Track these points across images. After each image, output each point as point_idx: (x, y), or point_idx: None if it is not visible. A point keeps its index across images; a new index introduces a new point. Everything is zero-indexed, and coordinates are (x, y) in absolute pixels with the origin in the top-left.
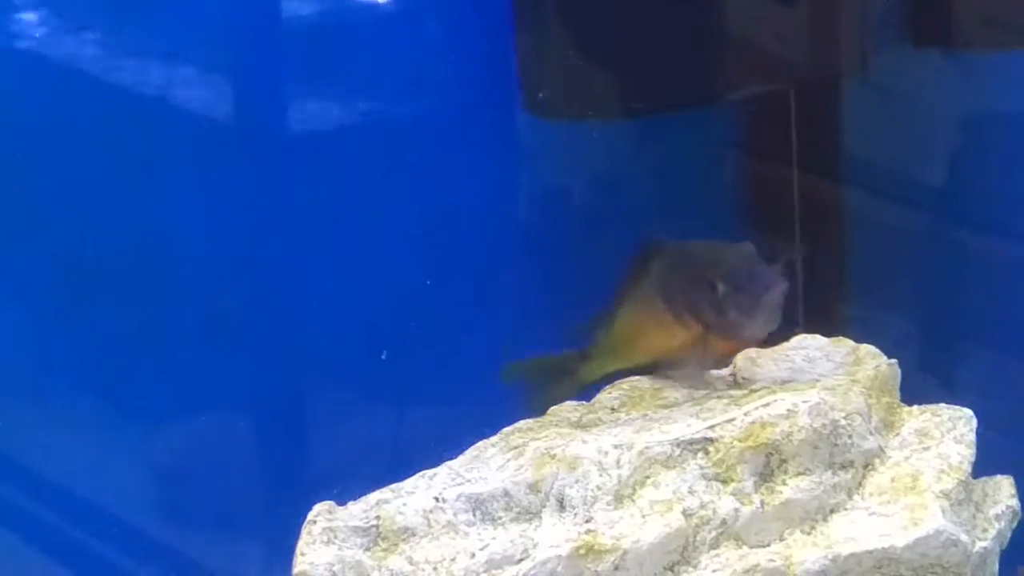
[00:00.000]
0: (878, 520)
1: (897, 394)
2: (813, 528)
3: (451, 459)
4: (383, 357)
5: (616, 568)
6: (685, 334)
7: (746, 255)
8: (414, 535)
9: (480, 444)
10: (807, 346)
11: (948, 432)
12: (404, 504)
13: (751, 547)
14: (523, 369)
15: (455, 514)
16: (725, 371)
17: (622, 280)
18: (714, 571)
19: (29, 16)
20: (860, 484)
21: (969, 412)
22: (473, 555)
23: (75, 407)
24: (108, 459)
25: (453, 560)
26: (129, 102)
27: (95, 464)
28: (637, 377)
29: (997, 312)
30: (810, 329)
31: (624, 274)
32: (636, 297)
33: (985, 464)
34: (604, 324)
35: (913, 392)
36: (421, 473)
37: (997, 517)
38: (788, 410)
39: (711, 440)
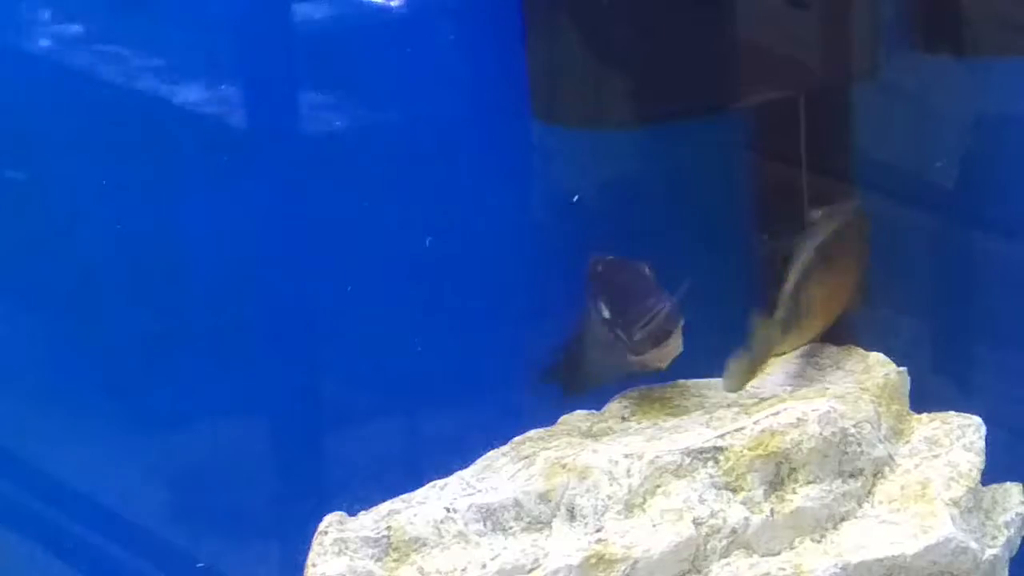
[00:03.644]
0: (888, 528)
1: (907, 402)
2: (823, 536)
3: (462, 469)
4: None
5: None
6: None
7: None
8: (425, 545)
9: (491, 454)
10: (816, 354)
11: (957, 440)
12: (415, 514)
13: (761, 555)
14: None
15: (466, 524)
16: None
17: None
18: None
19: (39, 21)
20: (870, 492)
21: (978, 420)
22: (484, 565)
23: (88, 413)
24: (119, 466)
25: (464, 570)
26: (142, 108)
27: (106, 470)
28: (647, 386)
29: (1009, 315)
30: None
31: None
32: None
33: (996, 470)
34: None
35: (925, 395)
36: (432, 483)
37: (1007, 524)
38: (798, 419)
39: (721, 449)
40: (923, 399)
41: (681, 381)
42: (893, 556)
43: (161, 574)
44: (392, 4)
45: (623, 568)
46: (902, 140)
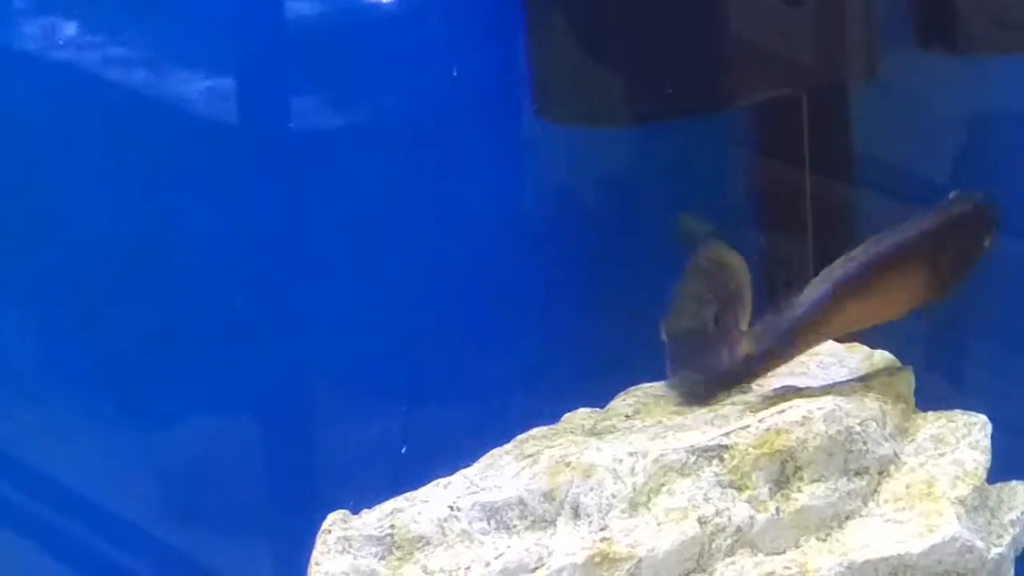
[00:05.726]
0: (893, 527)
1: (912, 400)
2: (828, 535)
3: (465, 467)
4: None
5: None
6: None
7: None
8: (429, 544)
9: (494, 452)
10: (821, 352)
11: (963, 438)
12: (419, 513)
13: (766, 554)
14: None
15: (470, 523)
16: None
17: None
18: None
19: (37, 20)
20: (875, 491)
21: (984, 418)
22: (488, 564)
23: (85, 411)
24: (120, 465)
25: (468, 569)
26: (139, 105)
27: (104, 469)
28: (650, 384)
29: (1010, 314)
30: None
31: None
32: None
33: (1002, 469)
34: None
35: (930, 393)
36: (436, 481)
37: (1012, 523)
38: (803, 417)
39: (726, 447)
40: (928, 397)
41: None
42: (899, 555)
43: (162, 574)
44: (385, 1)
45: (628, 567)
46: (900, 137)
